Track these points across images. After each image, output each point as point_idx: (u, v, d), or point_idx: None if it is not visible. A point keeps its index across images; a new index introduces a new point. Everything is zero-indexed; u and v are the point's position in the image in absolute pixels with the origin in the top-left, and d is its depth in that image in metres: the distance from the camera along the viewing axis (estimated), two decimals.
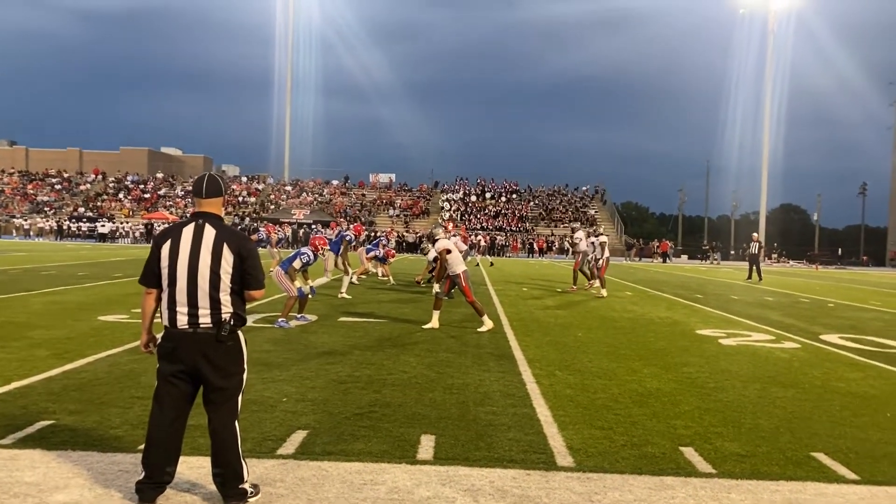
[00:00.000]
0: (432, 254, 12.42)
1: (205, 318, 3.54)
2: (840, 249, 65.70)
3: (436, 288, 10.80)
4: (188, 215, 3.83)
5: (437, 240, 10.70)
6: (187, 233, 3.60)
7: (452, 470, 4.24)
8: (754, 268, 26.78)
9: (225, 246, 3.58)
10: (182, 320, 3.55)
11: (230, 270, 3.58)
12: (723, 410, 5.90)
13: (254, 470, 4.03)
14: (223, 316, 3.57)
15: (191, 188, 3.77)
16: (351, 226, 18.37)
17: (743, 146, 73.54)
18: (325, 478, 4.04)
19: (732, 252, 64.56)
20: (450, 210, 63.11)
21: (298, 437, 4.77)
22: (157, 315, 3.70)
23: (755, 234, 29.16)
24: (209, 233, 3.60)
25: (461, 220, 59.75)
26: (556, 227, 60.78)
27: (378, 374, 6.91)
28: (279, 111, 73.57)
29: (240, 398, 3.71)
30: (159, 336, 3.70)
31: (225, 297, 3.58)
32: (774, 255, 60.80)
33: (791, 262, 59.15)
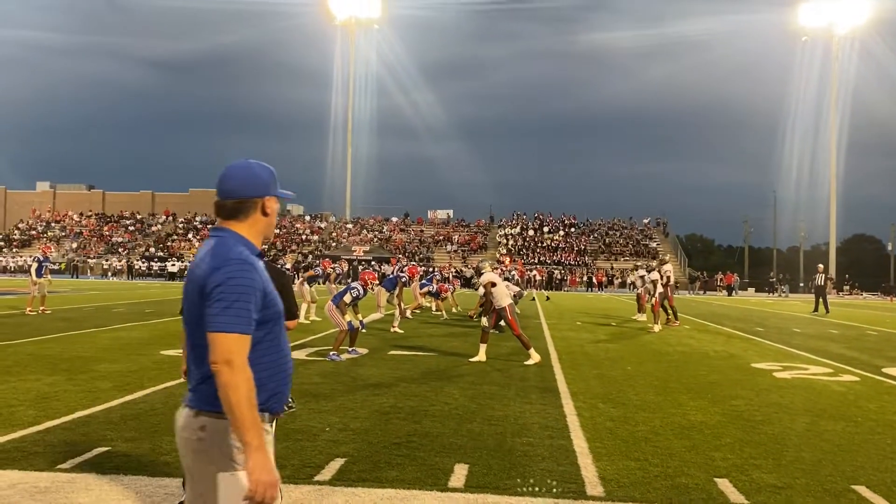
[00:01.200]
0: (483, 287, 12.58)
1: None
2: None
3: (483, 321, 10.92)
4: None
5: (482, 273, 10.89)
6: None
7: (482, 497, 4.33)
8: (821, 300, 25.95)
9: None
10: None
11: None
12: (765, 443, 5.81)
13: (289, 495, 4.21)
14: None
15: None
16: (406, 267, 18.74)
17: (811, 175, 71.59)
18: (356, 503, 4.18)
19: (802, 284, 62.49)
20: (507, 245, 63.17)
21: (336, 464, 4.93)
22: None
23: (821, 266, 28.27)
24: None
25: (519, 254, 59.72)
26: (616, 260, 60.08)
27: (420, 405, 7.05)
28: (340, 151, 75.51)
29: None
30: None
31: None
32: (847, 287, 58.57)
33: (864, 294, 56.83)
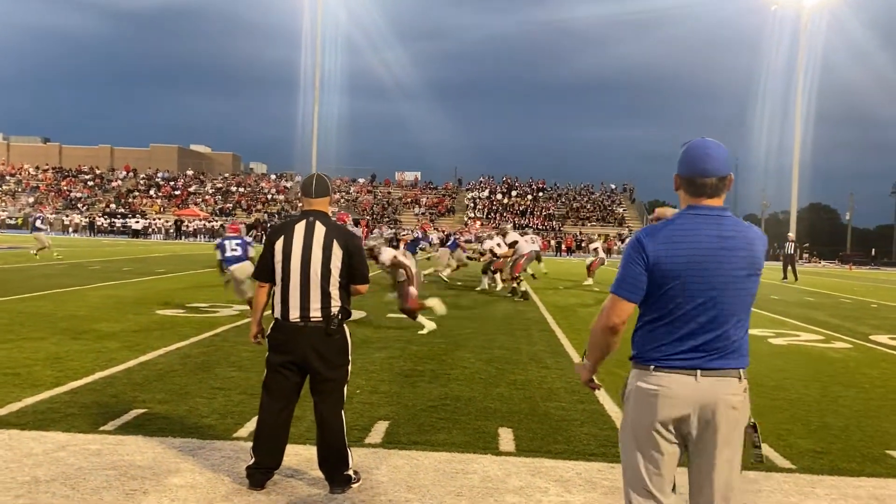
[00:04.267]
0: (488, 243, 14.75)
1: (315, 312, 3.70)
2: (873, 249, 64.77)
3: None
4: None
5: (506, 234, 12.82)
6: (299, 230, 3.77)
7: (538, 461, 4.37)
8: (790, 268, 26.59)
9: (335, 242, 3.74)
10: (294, 314, 3.71)
11: (339, 266, 3.74)
12: (788, 409, 5.97)
13: None
14: (332, 310, 3.73)
15: (300, 188, 3.95)
16: (418, 227, 19.20)
17: (773, 144, 72.64)
18: (418, 466, 4.19)
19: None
20: (475, 208, 63.22)
21: (381, 427, 4.93)
22: (269, 308, 3.87)
23: (790, 234, 28.91)
24: (320, 230, 3.76)
25: (486, 218, 59.85)
26: (583, 225, 60.62)
27: (440, 368, 7.06)
28: (306, 109, 73.91)
29: (345, 389, 3.87)
30: (268, 328, 3.87)
31: (335, 292, 3.73)
32: (806, 255, 60.13)
33: (823, 262, 58.46)
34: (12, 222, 55.19)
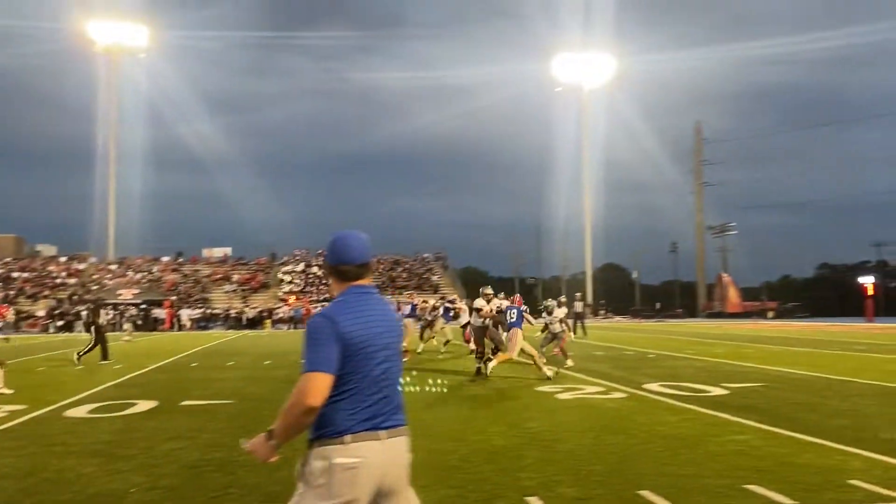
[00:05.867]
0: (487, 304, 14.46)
1: None
2: (658, 304, 71.51)
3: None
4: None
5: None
6: None
7: None
8: (580, 324, 28.74)
9: None
10: None
11: None
12: (562, 460, 6.41)
13: None
14: None
15: None
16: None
17: (569, 210, 79.20)
18: None
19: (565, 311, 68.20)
20: (290, 282, 62.15)
21: None
22: None
23: (578, 294, 31.41)
24: None
25: (303, 292, 58.97)
26: (400, 294, 61.48)
27: (230, 455, 6.81)
28: (102, 185, 69.69)
29: None
30: None
31: None
32: (602, 312, 65.06)
33: (616, 318, 63.53)
34: None
